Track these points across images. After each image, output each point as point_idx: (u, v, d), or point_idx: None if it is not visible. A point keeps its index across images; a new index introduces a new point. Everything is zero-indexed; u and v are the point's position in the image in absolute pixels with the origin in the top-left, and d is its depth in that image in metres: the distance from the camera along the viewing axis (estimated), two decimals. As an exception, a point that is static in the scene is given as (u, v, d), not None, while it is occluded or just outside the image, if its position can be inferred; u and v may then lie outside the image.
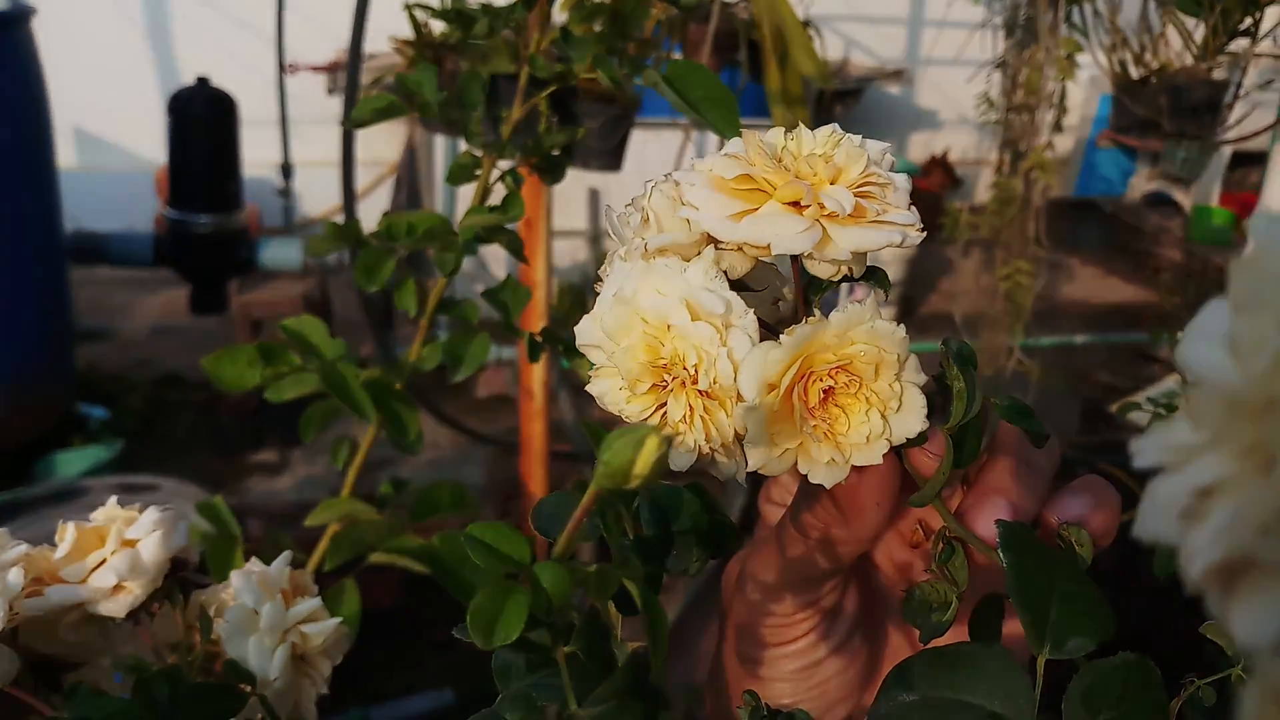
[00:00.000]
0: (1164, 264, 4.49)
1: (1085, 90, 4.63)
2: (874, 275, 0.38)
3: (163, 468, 2.69)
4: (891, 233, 0.34)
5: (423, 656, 2.12)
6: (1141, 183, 5.01)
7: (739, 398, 0.33)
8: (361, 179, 3.70)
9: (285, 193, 3.63)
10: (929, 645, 0.36)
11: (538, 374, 2.07)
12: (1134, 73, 2.45)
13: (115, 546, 0.38)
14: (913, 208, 0.35)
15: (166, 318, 3.78)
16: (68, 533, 0.38)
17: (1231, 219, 4.55)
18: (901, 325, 0.34)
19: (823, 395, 0.34)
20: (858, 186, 0.35)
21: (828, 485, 0.34)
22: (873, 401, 0.34)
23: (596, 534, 0.30)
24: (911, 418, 0.35)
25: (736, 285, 0.36)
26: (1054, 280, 4.39)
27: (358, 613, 0.71)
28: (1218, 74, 2.38)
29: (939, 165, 4.59)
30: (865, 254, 0.35)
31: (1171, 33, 2.39)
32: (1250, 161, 4.60)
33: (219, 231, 3.08)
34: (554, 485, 2.17)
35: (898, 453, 0.37)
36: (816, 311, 0.35)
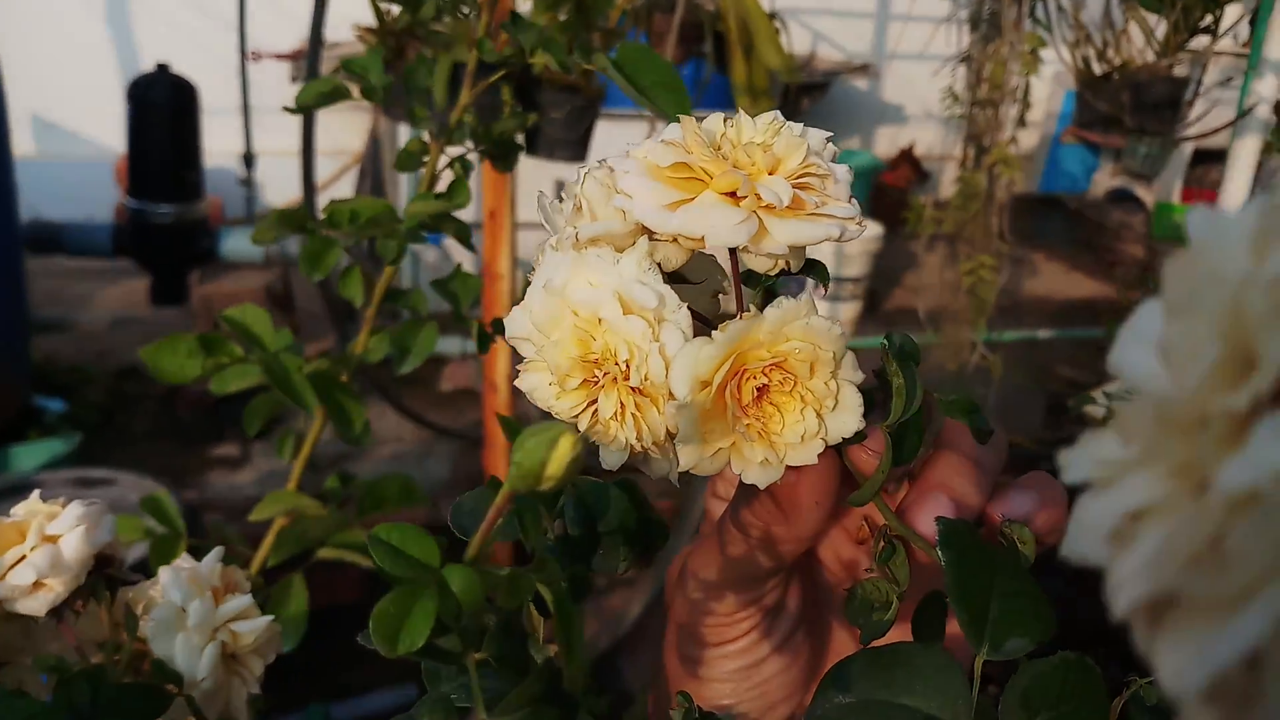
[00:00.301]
0: (1126, 260, 4.53)
1: (1050, 86, 4.66)
2: (813, 269, 0.37)
3: (122, 461, 2.65)
4: (830, 226, 0.33)
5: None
6: (1105, 179, 5.05)
7: (671, 395, 0.32)
8: (326, 169, 3.67)
9: (247, 183, 3.59)
10: (870, 645, 0.35)
11: (502, 367, 2.06)
12: (1097, 69, 2.47)
13: (36, 542, 0.36)
14: (853, 200, 0.34)
15: (126, 309, 3.72)
16: (-15, 528, 0.36)
17: (1193, 215, 4.58)
18: (838, 322, 0.33)
19: (756, 393, 0.33)
20: (796, 177, 0.34)
21: (761, 486, 0.34)
22: (808, 400, 0.33)
23: (517, 534, 0.29)
24: (848, 416, 0.34)
25: (672, 277, 0.35)
26: (1018, 275, 4.42)
27: (305, 608, 0.70)
28: (1179, 71, 2.40)
29: (905, 160, 4.61)
30: (804, 248, 0.34)
31: (1134, 29, 2.40)
32: (1211, 159, 4.64)
33: (180, 222, 3.03)
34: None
35: (838, 450, 0.36)
36: (752, 307, 0.34)
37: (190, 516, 1.84)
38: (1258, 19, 1.96)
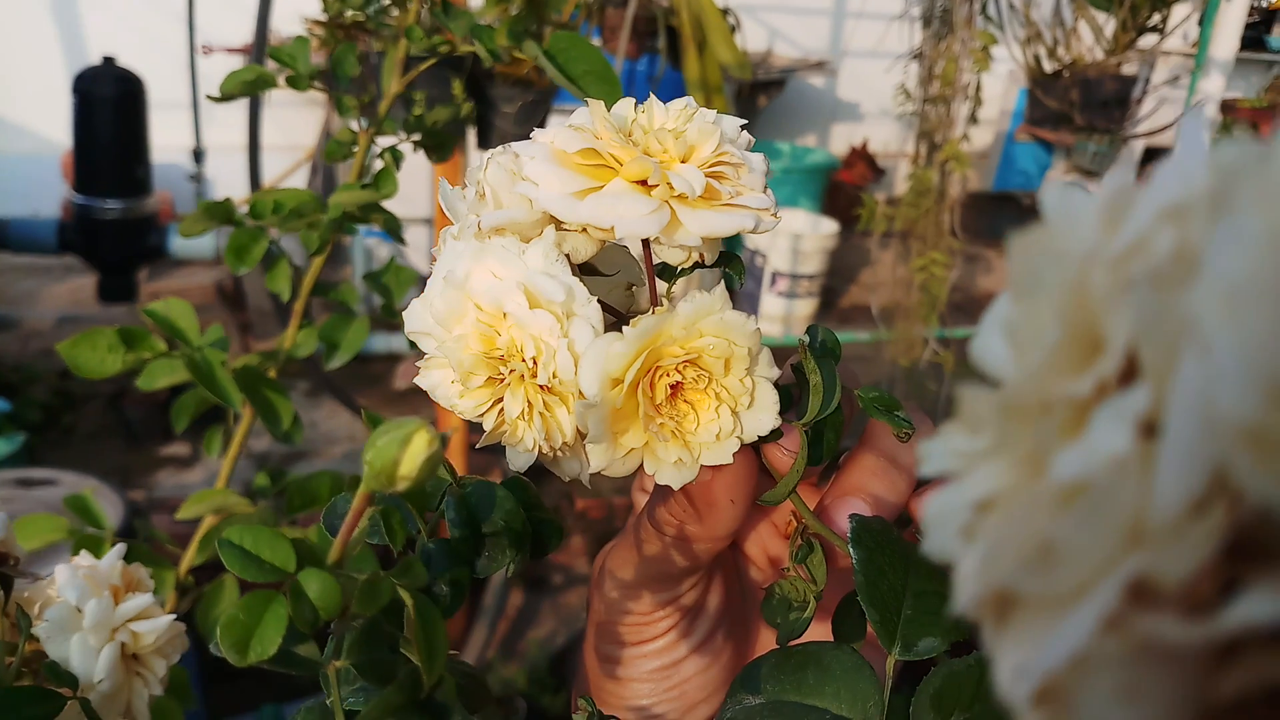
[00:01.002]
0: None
1: (1004, 84, 4.70)
2: (729, 262, 0.35)
3: (68, 462, 2.61)
4: (744, 217, 0.32)
5: (337, 651, 2.08)
6: (1058, 176, 5.10)
7: (581, 393, 0.31)
8: (279, 164, 3.62)
9: (197, 178, 3.53)
10: (787, 645, 0.34)
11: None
12: (1047, 66, 2.49)
13: (-82, 541, 0.35)
14: (768, 191, 0.33)
15: (73, 307, 3.66)
16: None
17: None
18: (753, 317, 0.32)
19: (670, 391, 0.32)
20: (710, 166, 0.32)
21: (676, 486, 0.33)
22: (723, 398, 0.32)
23: (378, 538, 0.28)
24: (764, 415, 0.33)
25: (583, 269, 0.33)
26: (971, 272, 4.46)
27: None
28: (1127, 69, 2.42)
29: (860, 157, 4.63)
30: (718, 240, 0.33)
31: (1084, 28, 2.43)
32: (1161, 156, 4.70)
33: (127, 217, 2.97)
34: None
35: (754, 448, 0.35)
36: (665, 301, 0.33)
37: (134, 517, 1.81)
38: (1204, 18, 1.99)
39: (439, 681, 0.23)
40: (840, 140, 4.89)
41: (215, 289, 3.04)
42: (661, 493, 0.37)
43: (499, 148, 0.33)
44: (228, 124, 3.73)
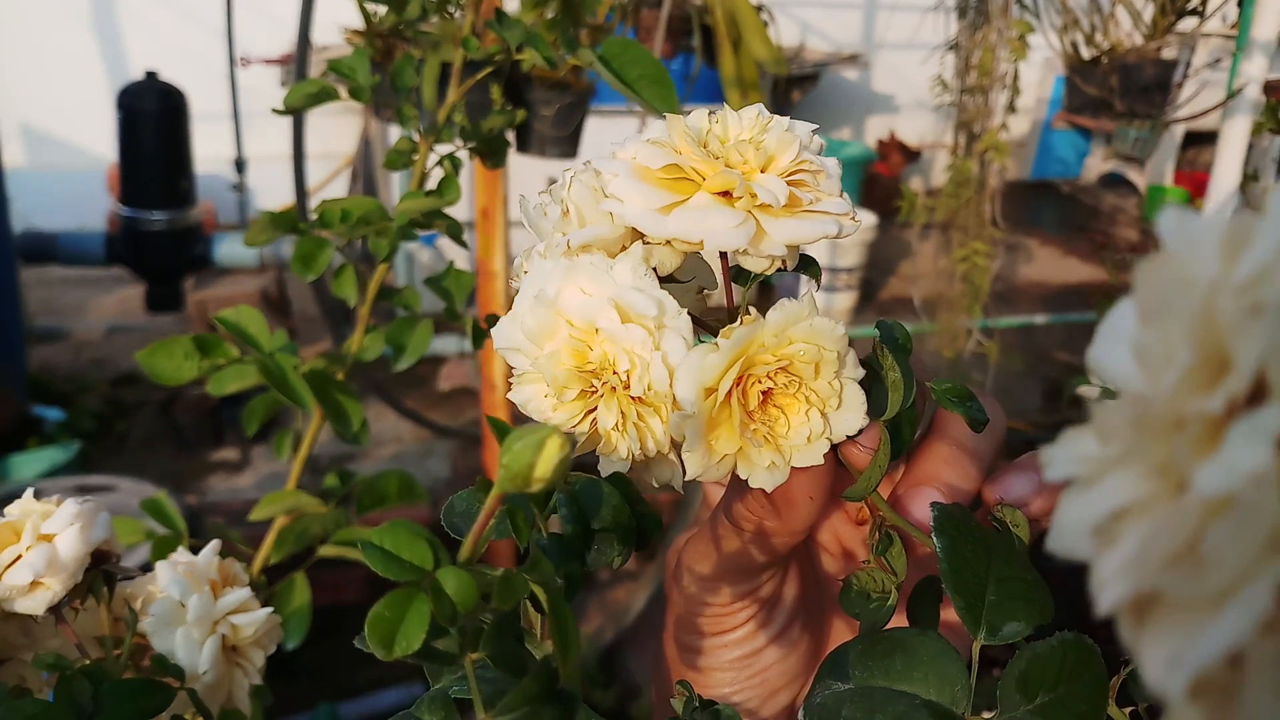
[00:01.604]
0: (1120, 243, 4.54)
1: (1040, 72, 4.67)
2: (808, 266, 0.36)
3: (121, 468, 2.66)
4: (827, 223, 0.32)
5: (390, 652, 2.11)
6: (1097, 164, 5.05)
7: (674, 402, 0.31)
8: (318, 172, 3.66)
9: (239, 188, 3.58)
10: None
11: (499, 365, 2.06)
12: (1085, 53, 2.47)
13: (31, 541, 0.37)
14: (845, 195, 0.34)
15: (121, 317, 3.72)
16: (-20, 528, 0.37)
17: (1186, 198, 4.60)
18: (840, 323, 0.33)
19: (761, 397, 0.33)
20: (789, 174, 0.33)
21: (769, 489, 0.33)
22: (812, 401, 0.33)
23: (509, 533, 0.29)
24: (851, 415, 0.33)
25: (664, 280, 0.34)
26: (1012, 261, 4.43)
27: (308, 604, 0.70)
28: (1167, 53, 2.40)
29: (894, 148, 4.61)
30: (799, 246, 0.34)
31: (1121, 13, 2.41)
32: (1202, 141, 4.65)
33: (172, 228, 3.03)
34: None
35: (832, 445, 0.36)
36: (753, 310, 0.33)
37: (191, 520, 1.84)
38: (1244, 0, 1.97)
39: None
40: (875, 133, 4.87)
41: (260, 296, 3.08)
42: (738, 489, 0.38)
43: (582, 164, 0.34)
44: (267, 134, 3.78)
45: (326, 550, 0.71)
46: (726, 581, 0.41)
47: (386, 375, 3.18)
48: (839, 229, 0.32)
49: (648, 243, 0.33)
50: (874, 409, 0.34)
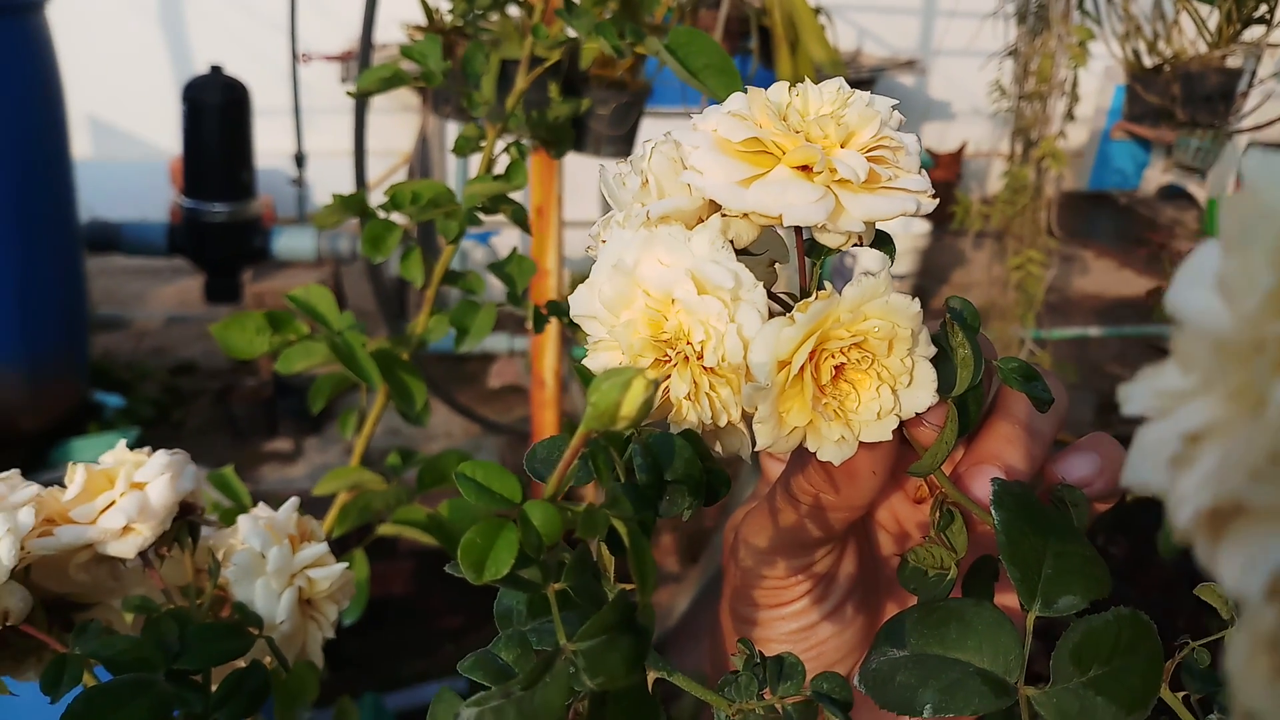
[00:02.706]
0: (1179, 257, 4.47)
1: (1099, 82, 4.61)
2: (883, 243, 0.36)
3: (178, 455, 2.71)
4: (906, 200, 0.32)
5: (436, 645, 2.13)
6: (1156, 175, 4.98)
7: (748, 374, 0.32)
8: (375, 169, 3.72)
9: (298, 182, 3.64)
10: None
11: (549, 363, 2.08)
12: (1147, 61, 2.44)
13: (124, 488, 0.38)
14: (923, 172, 0.34)
15: (181, 307, 3.80)
16: (77, 474, 0.39)
17: (1247, 211, 4.52)
18: (916, 299, 0.33)
19: (834, 371, 0.33)
20: (869, 150, 0.33)
21: (836, 463, 0.33)
22: (884, 377, 0.33)
23: (589, 478, 0.30)
24: (922, 392, 0.33)
25: (738, 252, 0.34)
26: (1067, 273, 4.38)
27: (366, 581, 0.72)
28: (1232, 62, 2.37)
29: (949, 157, 4.59)
30: (874, 222, 0.34)
31: (1185, 20, 2.38)
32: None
33: (233, 220, 3.09)
34: (565, 472, 2.17)
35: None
36: (828, 285, 0.33)
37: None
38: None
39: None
40: (931, 139, 4.85)
41: (316, 290, 3.12)
42: (798, 463, 0.38)
43: (661, 136, 0.35)
44: (326, 130, 3.85)
45: (386, 529, 0.73)
46: (783, 555, 0.41)
47: (439, 371, 3.22)
48: (917, 206, 0.32)
49: (726, 215, 0.33)
50: (942, 386, 0.34)
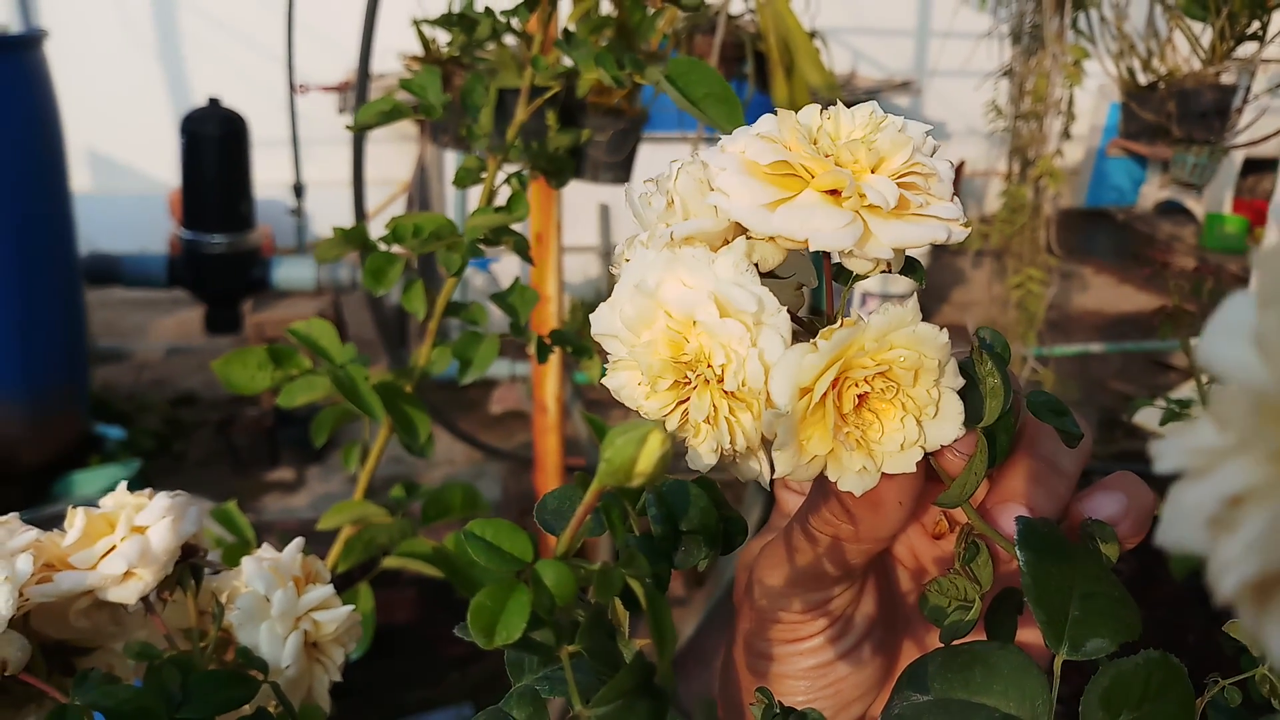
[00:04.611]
0: (1177, 272, 4.48)
1: (1094, 100, 4.64)
2: (912, 269, 0.35)
3: (179, 487, 2.68)
4: (936, 228, 0.31)
5: (441, 672, 2.12)
6: (1153, 191, 5.00)
7: (768, 399, 0.31)
8: (373, 198, 3.72)
9: (297, 212, 3.65)
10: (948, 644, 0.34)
11: (551, 388, 2.07)
12: (1142, 79, 2.45)
13: (125, 533, 0.38)
14: (956, 200, 0.33)
15: (181, 338, 3.80)
16: (77, 519, 0.38)
17: (1245, 226, 4.54)
18: (944, 329, 0.32)
19: (857, 400, 0.32)
20: (900, 176, 0.32)
21: (858, 493, 0.33)
22: (909, 408, 0.32)
23: (602, 530, 0.29)
24: (948, 425, 0.32)
25: (764, 275, 0.33)
26: (1067, 290, 4.38)
27: (371, 614, 0.71)
28: (1226, 78, 2.37)
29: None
30: (904, 249, 0.33)
31: (1179, 38, 2.39)
32: (1262, 168, 4.59)
33: (232, 251, 3.09)
34: (568, 499, 2.16)
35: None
36: (854, 312, 0.32)
37: (248, 538, 1.87)
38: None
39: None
40: (927, 160, 4.85)
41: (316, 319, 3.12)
42: (818, 495, 0.37)
43: (689, 157, 0.34)
44: (325, 160, 3.86)
45: (390, 561, 0.72)
46: (800, 591, 0.40)
47: (440, 398, 3.22)
48: (948, 234, 0.32)
49: (751, 238, 0.33)
50: (970, 416, 0.33)
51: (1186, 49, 2.37)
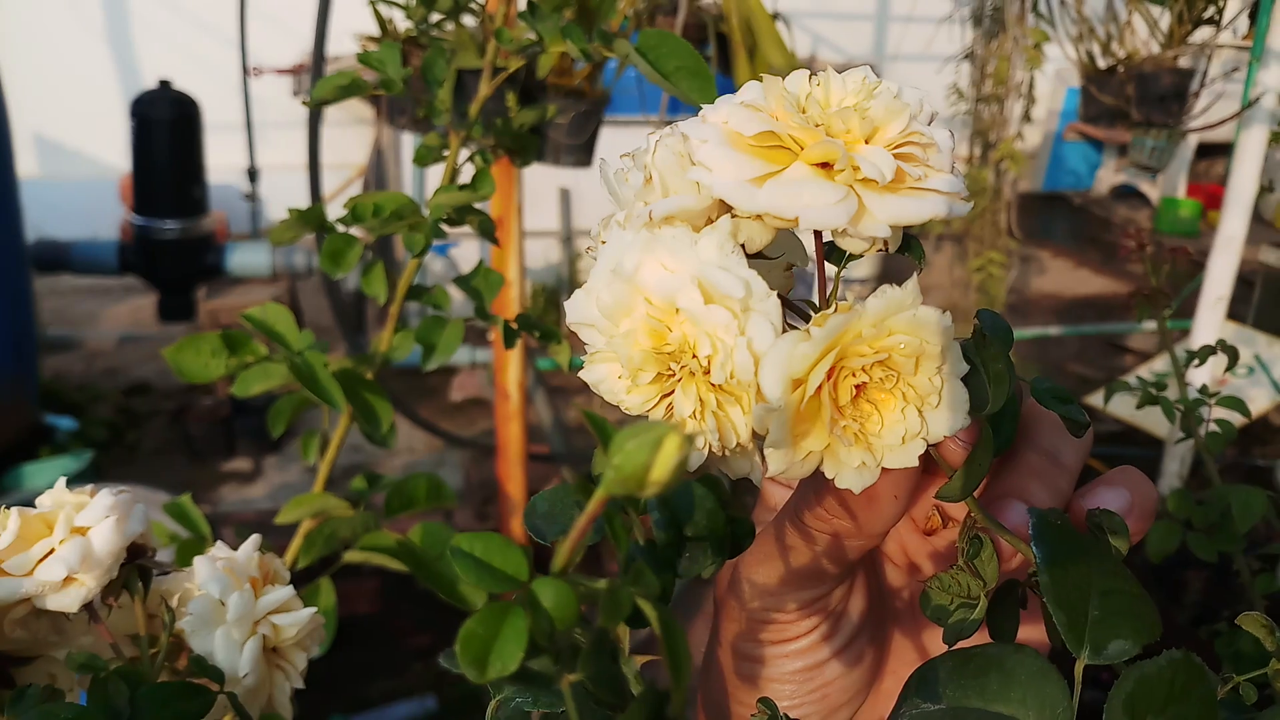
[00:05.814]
0: (1133, 255, 4.52)
1: (1052, 84, 4.67)
2: (910, 248, 0.32)
3: (133, 478, 2.65)
4: (936, 203, 0.28)
5: (404, 664, 2.10)
6: (1109, 175, 5.04)
7: (758, 392, 0.28)
8: (329, 183, 3.67)
9: (252, 197, 3.59)
10: (952, 646, 0.32)
11: (514, 375, 2.05)
12: (1101, 62, 2.46)
13: (64, 535, 0.35)
14: (956, 171, 0.30)
15: (134, 326, 3.73)
16: (10, 520, 0.35)
17: (1199, 209, 4.59)
18: (947, 313, 0.29)
19: (854, 391, 0.29)
20: (897, 146, 0.29)
21: (856, 490, 0.30)
22: (909, 398, 0.29)
23: (598, 539, 0.26)
24: (952, 414, 0.30)
25: (751, 256, 0.30)
26: (1025, 273, 4.42)
27: (333, 610, 0.69)
28: (1184, 62, 2.39)
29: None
30: (901, 227, 0.30)
31: (1138, 21, 2.40)
32: (1215, 152, 4.64)
33: (185, 237, 3.03)
34: (532, 488, 2.15)
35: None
36: (849, 296, 0.30)
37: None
38: (1259, 10, 1.96)
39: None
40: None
41: (272, 306, 3.07)
42: (811, 490, 0.35)
43: (667, 128, 0.31)
44: (279, 144, 3.79)
45: (353, 556, 0.69)
46: (791, 589, 0.38)
47: (399, 385, 3.18)
48: (949, 209, 0.29)
49: (736, 216, 0.30)
50: (973, 404, 0.31)
51: (1145, 33, 2.39)
